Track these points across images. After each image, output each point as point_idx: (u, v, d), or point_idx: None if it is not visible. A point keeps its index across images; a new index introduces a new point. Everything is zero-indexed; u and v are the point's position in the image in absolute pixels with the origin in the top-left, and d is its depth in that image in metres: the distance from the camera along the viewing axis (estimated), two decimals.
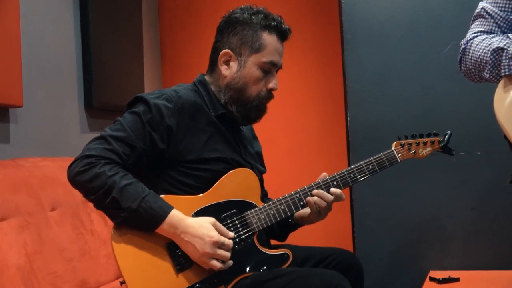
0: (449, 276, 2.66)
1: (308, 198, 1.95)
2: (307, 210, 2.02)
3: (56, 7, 3.00)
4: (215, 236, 1.77)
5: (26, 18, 2.69)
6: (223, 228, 1.83)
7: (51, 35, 2.93)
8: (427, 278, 2.75)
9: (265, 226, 1.91)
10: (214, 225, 1.80)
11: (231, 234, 1.84)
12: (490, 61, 1.81)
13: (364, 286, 2.09)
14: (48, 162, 2.56)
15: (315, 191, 1.96)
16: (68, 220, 2.49)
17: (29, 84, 2.70)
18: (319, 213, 1.98)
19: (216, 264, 1.78)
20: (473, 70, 1.90)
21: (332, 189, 1.97)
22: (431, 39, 2.94)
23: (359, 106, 2.99)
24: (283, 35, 2.02)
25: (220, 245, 1.78)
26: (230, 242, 1.81)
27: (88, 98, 3.20)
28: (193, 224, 1.77)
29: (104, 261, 2.58)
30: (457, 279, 2.64)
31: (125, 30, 3.63)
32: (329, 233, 3.86)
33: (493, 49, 1.81)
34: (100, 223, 2.65)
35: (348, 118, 2.98)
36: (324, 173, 2.02)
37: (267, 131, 3.91)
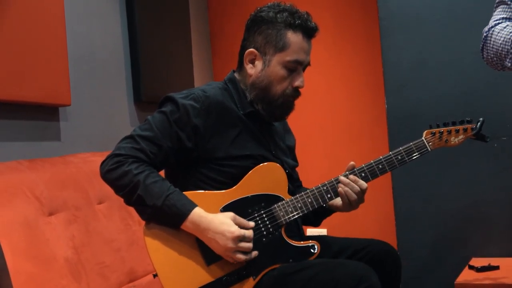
0: (489, 264, 2.63)
1: (339, 189, 1.98)
2: (339, 200, 2.04)
3: (101, 3, 3.10)
4: (236, 231, 1.82)
5: (71, 17, 2.81)
6: (243, 220, 1.88)
7: (97, 32, 3.04)
8: (466, 266, 2.73)
9: (292, 219, 1.95)
10: (234, 220, 1.85)
11: (251, 224, 1.89)
12: (511, 49, 1.78)
13: (401, 277, 2.08)
14: (97, 157, 2.67)
15: (343, 180, 1.98)
16: (115, 213, 2.60)
17: (77, 83, 2.83)
18: (350, 204, 2.00)
19: (241, 256, 1.84)
20: (495, 59, 1.86)
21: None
22: (468, 22, 2.88)
23: (397, 93, 2.97)
24: (308, 33, 2.02)
25: (241, 238, 1.83)
26: (251, 233, 1.86)
27: (137, 92, 3.31)
28: (214, 221, 1.83)
29: None
30: (496, 267, 2.61)
31: (172, 23, 3.71)
32: (372, 220, 3.87)
33: None
34: None
35: (386, 105, 2.97)
36: (352, 163, 2.02)
37: (312, 120, 3.94)
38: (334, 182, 1.99)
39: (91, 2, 3.02)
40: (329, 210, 2.14)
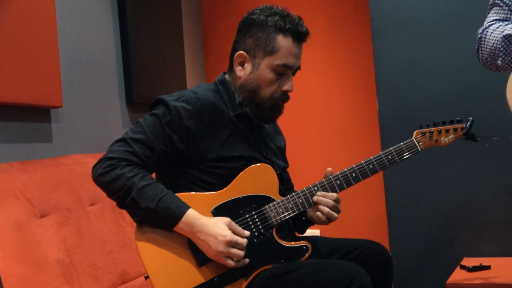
0: (480, 263, 2.64)
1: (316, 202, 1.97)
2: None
3: (93, 4, 3.10)
4: (228, 235, 1.82)
5: (63, 18, 2.80)
6: (238, 228, 1.88)
7: (89, 33, 3.04)
8: (458, 266, 2.74)
9: (283, 219, 1.95)
10: (229, 225, 1.85)
11: (247, 233, 1.89)
12: (502, 48, 1.79)
13: (393, 278, 2.09)
14: (89, 159, 2.67)
15: (315, 198, 1.97)
16: (108, 214, 2.59)
17: (69, 84, 2.82)
18: (327, 218, 1.99)
19: (230, 262, 1.83)
20: (489, 59, 1.87)
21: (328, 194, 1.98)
22: (460, 23, 2.89)
23: (389, 94, 2.98)
24: (299, 37, 2.01)
25: (233, 244, 1.83)
26: (244, 241, 1.86)
27: (129, 94, 3.30)
28: (208, 223, 1.83)
29: None
30: (487, 267, 2.62)
31: (165, 24, 3.70)
32: (364, 221, 3.88)
33: (504, 36, 1.78)
34: None
35: (378, 106, 2.98)
36: (329, 169, 2.02)
37: (306, 121, 3.94)
38: (325, 183, 2.00)
39: (83, 3, 3.01)
40: (309, 222, 2.13)
